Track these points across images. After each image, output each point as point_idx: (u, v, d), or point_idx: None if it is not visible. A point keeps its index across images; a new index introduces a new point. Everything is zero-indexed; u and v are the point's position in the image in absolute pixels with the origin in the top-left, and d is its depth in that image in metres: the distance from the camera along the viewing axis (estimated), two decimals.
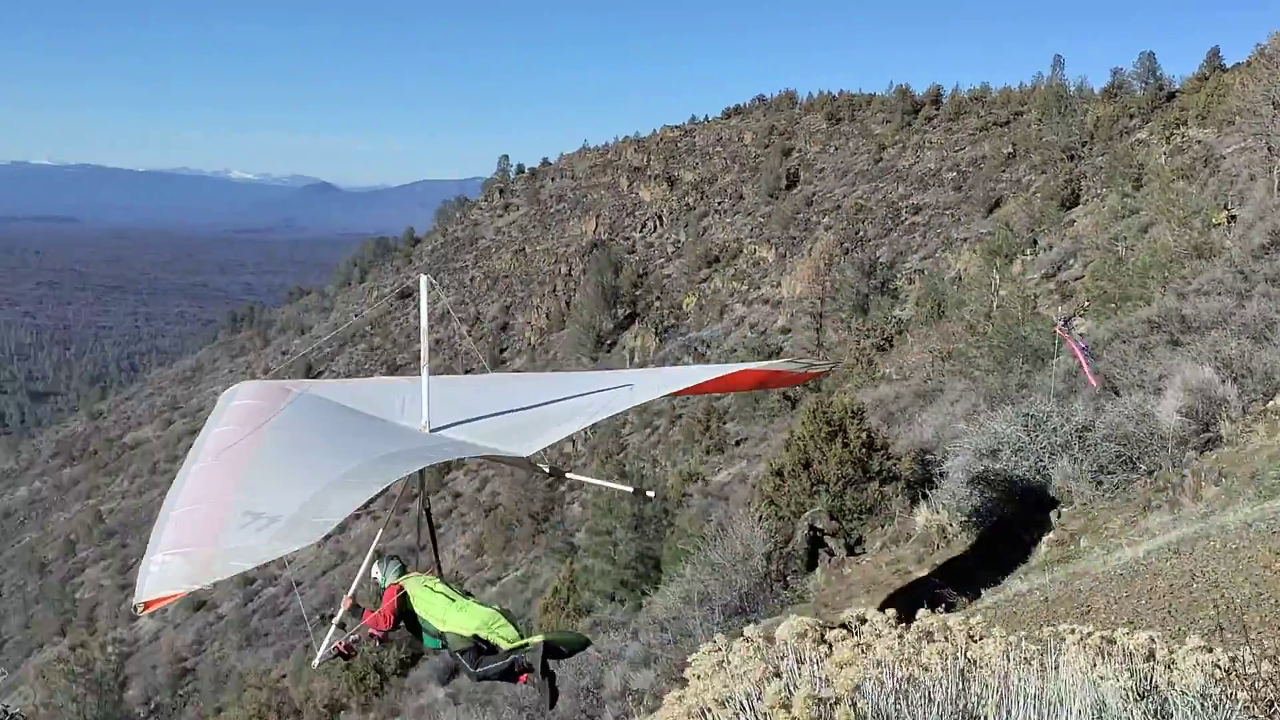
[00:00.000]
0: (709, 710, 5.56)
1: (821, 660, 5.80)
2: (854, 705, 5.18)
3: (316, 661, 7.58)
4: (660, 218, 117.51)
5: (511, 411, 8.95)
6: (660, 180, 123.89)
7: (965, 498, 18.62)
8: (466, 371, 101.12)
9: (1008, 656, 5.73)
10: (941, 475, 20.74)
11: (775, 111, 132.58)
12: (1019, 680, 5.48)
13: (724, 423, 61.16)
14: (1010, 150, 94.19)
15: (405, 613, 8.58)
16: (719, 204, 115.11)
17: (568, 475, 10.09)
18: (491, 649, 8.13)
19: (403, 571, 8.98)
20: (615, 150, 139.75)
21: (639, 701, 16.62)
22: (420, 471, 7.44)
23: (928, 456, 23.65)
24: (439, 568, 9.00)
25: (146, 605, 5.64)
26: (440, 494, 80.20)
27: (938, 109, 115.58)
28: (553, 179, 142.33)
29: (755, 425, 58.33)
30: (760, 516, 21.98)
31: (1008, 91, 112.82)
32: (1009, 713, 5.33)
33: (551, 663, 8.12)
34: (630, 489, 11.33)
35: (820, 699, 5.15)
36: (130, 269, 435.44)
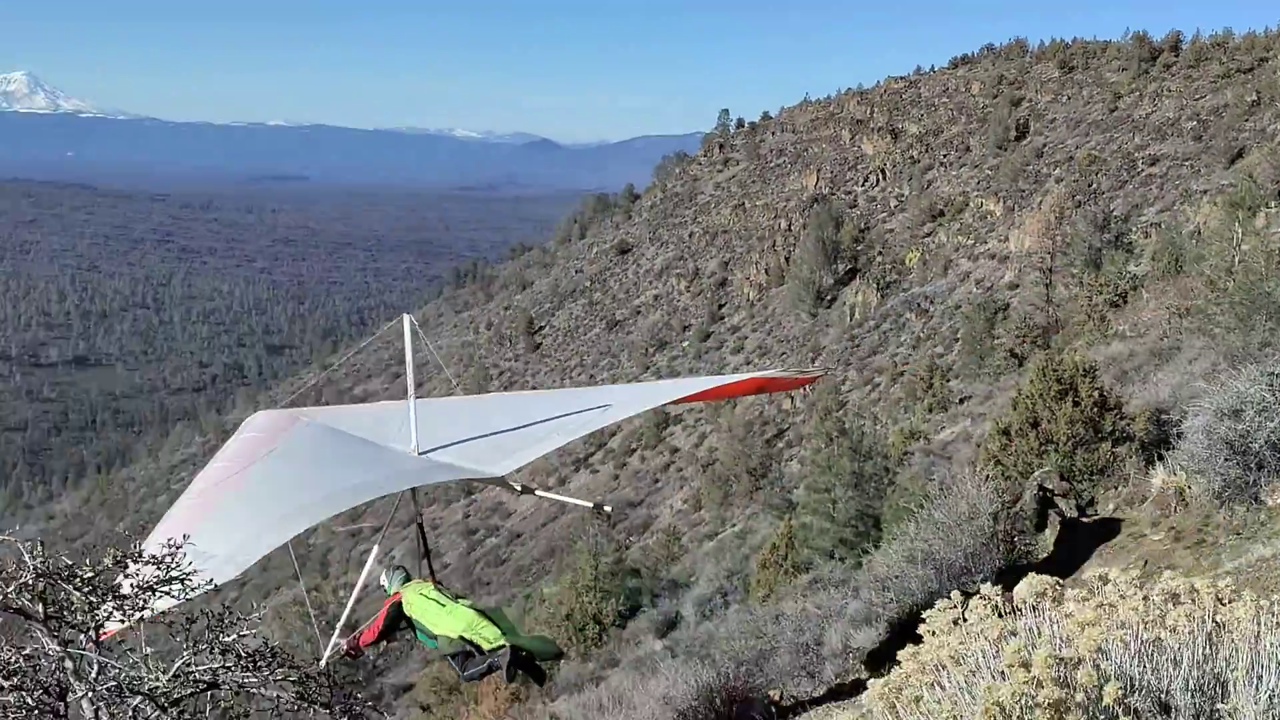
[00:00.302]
0: (944, 667, 5.48)
1: (1061, 620, 5.62)
2: (1096, 666, 4.99)
3: (323, 661, 7.95)
4: (883, 171, 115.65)
5: (494, 434, 9.36)
6: (883, 133, 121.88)
7: (1205, 459, 17.85)
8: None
9: (1258, 620, 5.46)
10: (1178, 436, 19.92)
11: (1004, 61, 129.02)
12: (1270, 645, 5.23)
13: (947, 380, 60.04)
14: (1254, 98, 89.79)
15: (405, 618, 9.07)
16: (944, 156, 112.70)
17: (536, 492, 10.62)
18: (477, 649, 8.49)
19: (406, 579, 9.38)
20: (837, 103, 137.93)
21: (860, 659, 16.45)
22: (413, 490, 7.98)
23: (1163, 417, 22.75)
24: (433, 575, 9.37)
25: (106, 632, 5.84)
26: (658, 449, 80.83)
27: (1177, 56, 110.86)
28: (773, 133, 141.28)
29: (980, 383, 57.11)
30: (986, 476, 21.49)
31: (1252, 37, 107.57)
32: (1260, 678, 5.07)
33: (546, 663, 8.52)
34: (590, 505, 11.20)
35: (1061, 659, 4.96)
36: (359, 226, 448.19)
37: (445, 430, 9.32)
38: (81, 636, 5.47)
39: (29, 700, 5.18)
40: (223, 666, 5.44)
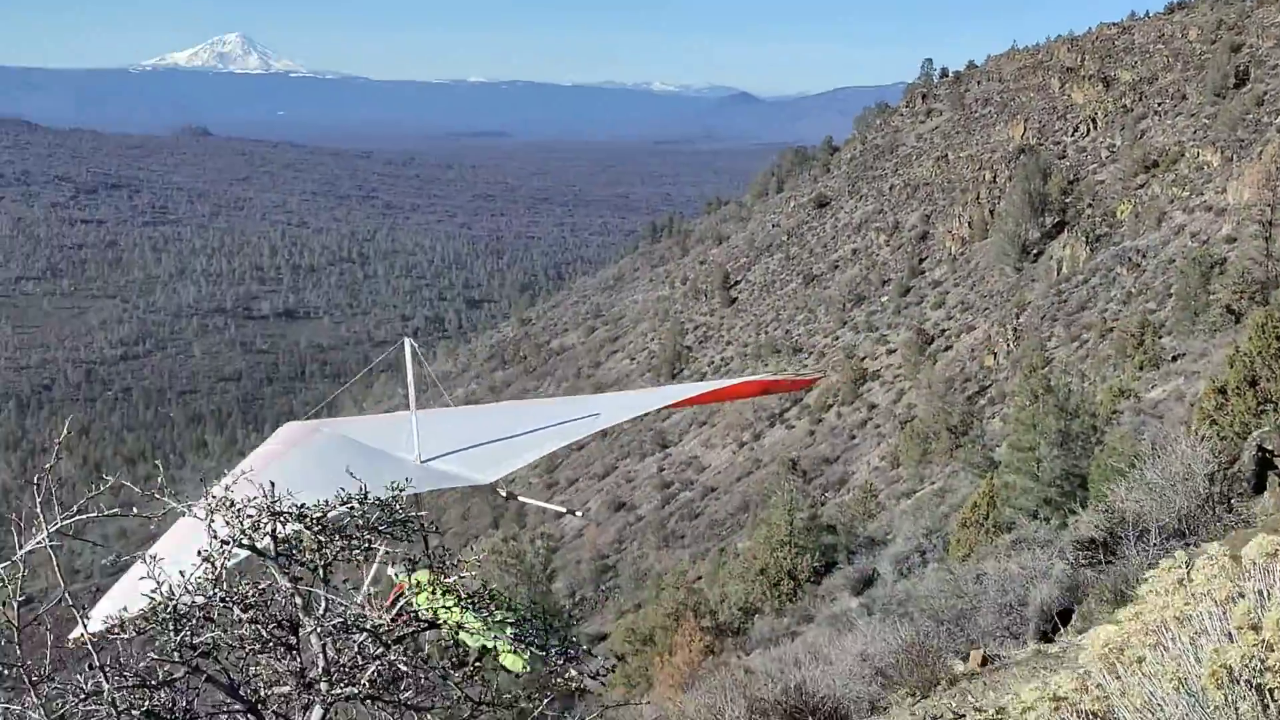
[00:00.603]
0: (1168, 627, 5.34)
1: None
2: None
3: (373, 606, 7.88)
4: (1094, 121, 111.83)
5: (489, 443, 9.86)
6: (1094, 81, 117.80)
7: None
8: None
9: None
10: None
11: (1225, 5, 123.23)
12: None
13: (1159, 337, 57.92)
14: None
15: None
16: (1159, 105, 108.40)
17: (518, 498, 10.87)
18: None
19: (412, 570, 9.38)
20: (1046, 51, 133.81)
21: (1065, 621, 15.89)
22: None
23: None
24: (433, 569, 9.06)
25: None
26: (855, 405, 80.00)
27: None
28: (978, 82, 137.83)
29: (1194, 340, 54.98)
30: (1201, 436, 20.55)
31: None
32: None
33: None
34: (561, 510, 11.44)
35: None
36: (557, 181, 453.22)
37: (447, 439, 9.85)
38: (310, 574, 5.72)
39: (264, 633, 5.48)
40: (443, 606, 5.72)
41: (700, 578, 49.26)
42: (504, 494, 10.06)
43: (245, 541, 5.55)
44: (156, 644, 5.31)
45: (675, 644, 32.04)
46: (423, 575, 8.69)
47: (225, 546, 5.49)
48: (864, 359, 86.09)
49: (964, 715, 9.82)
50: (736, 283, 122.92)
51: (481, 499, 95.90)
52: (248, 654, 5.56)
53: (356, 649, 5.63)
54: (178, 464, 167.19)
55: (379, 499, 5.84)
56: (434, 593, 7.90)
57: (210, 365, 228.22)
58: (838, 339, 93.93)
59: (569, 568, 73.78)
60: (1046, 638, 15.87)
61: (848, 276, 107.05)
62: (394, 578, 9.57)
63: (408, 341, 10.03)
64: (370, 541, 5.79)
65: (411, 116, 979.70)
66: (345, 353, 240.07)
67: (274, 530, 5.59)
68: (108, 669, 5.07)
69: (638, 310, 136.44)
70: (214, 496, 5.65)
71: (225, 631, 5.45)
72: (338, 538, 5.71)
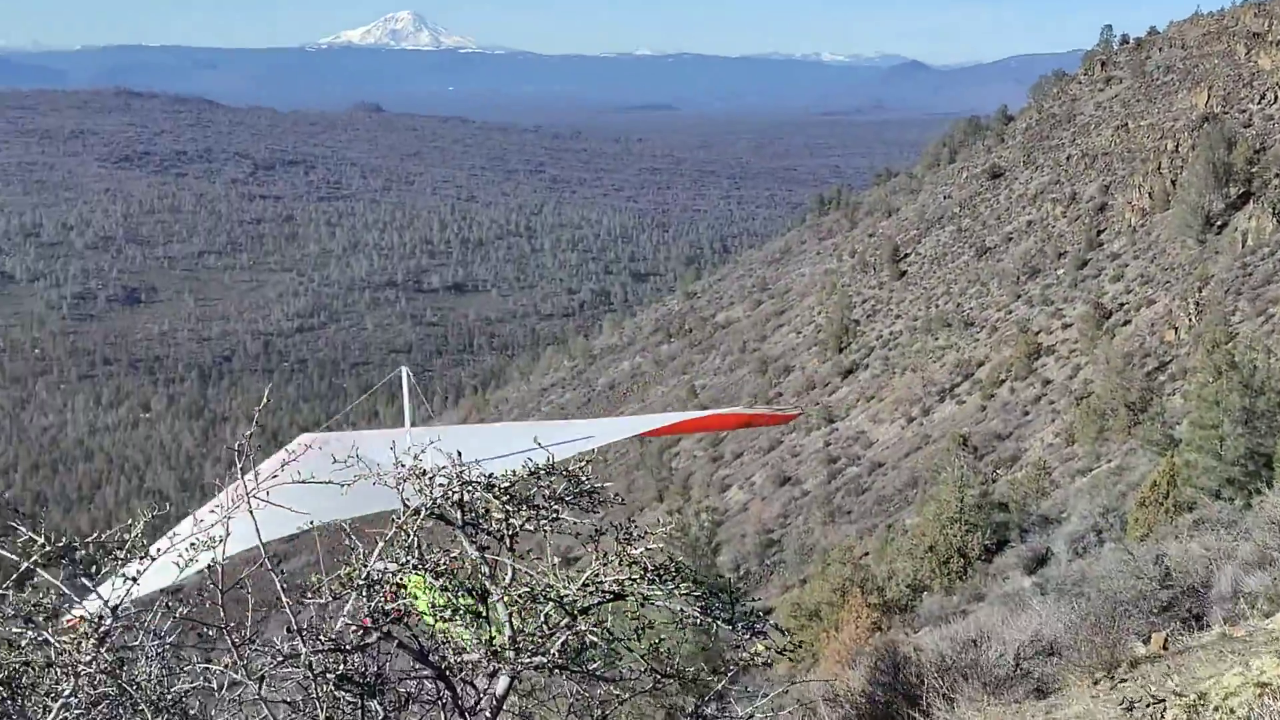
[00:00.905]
0: None
1: None
2: None
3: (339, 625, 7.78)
4: None
5: (478, 461, 9.70)
6: None
7: None
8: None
9: None
10: None
11: None
12: None
13: None
14: None
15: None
16: None
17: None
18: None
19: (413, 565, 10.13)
20: (1231, 16, 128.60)
21: (1252, 604, 15.03)
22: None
23: None
24: (426, 574, 9.48)
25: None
26: (1029, 380, 78.11)
27: None
28: (1159, 49, 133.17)
29: None
30: None
31: None
32: None
33: None
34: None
35: None
36: (723, 154, 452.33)
37: (438, 456, 9.89)
38: (496, 543, 5.86)
39: (454, 600, 5.68)
40: (629, 578, 5.69)
41: (867, 554, 48.58)
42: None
43: (435, 510, 5.73)
44: (348, 609, 5.52)
45: (842, 620, 31.57)
46: (418, 579, 9.34)
47: (416, 517, 5.65)
48: (1038, 333, 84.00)
49: (1163, 700, 9.23)
50: (906, 255, 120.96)
51: (647, 472, 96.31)
52: (440, 619, 5.74)
53: (543, 618, 5.71)
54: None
55: (567, 470, 5.93)
56: (428, 591, 8.44)
57: (381, 337, 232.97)
58: (1011, 313, 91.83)
59: (733, 541, 73.47)
60: (1231, 621, 15.06)
61: (1022, 249, 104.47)
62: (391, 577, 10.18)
63: (405, 370, 11.19)
64: (558, 512, 5.86)
65: (579, 91, 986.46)
66: (512, 325, 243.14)
67: (463, 499, 5.74)
68: (304, 633, 5.26)
69: (804, 284, 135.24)
70: (403, 466, 5.83)
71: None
72: (525, 507, 5.81)
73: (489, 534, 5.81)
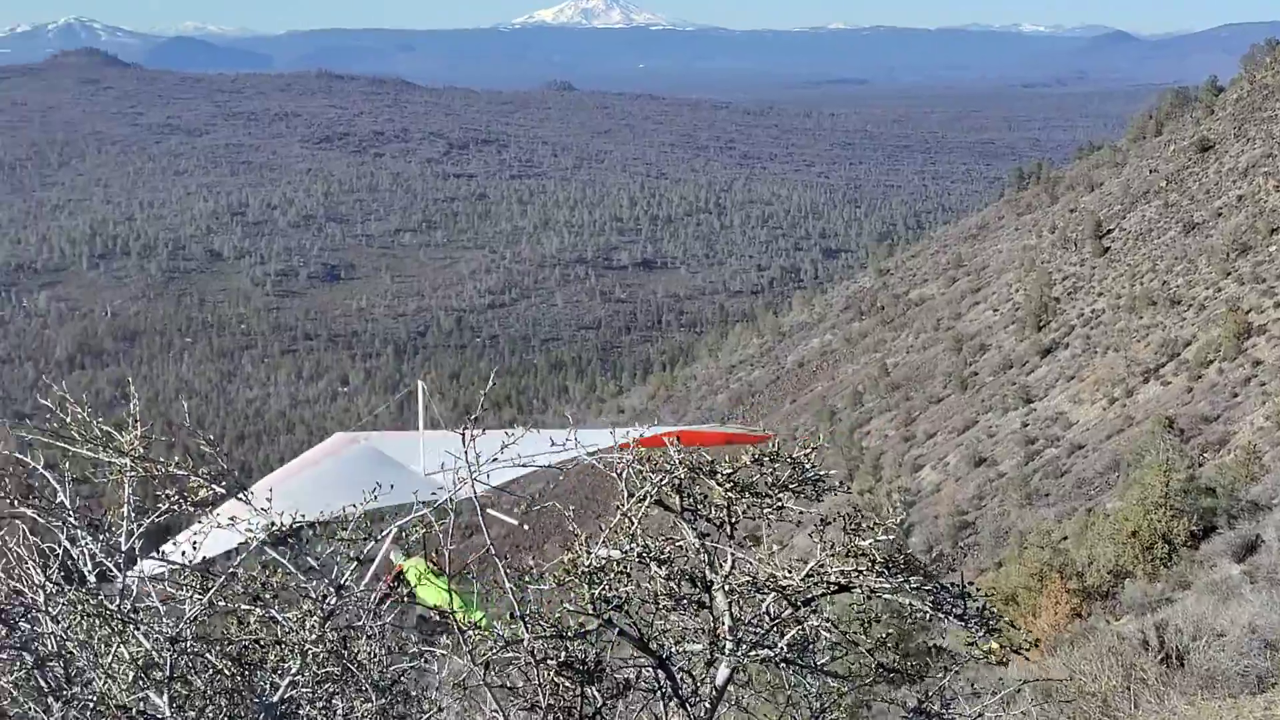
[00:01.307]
0: None
1: None
2: None
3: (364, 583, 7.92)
4: None
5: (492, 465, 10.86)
6: None
7: None
8: None
9: None
10: None
11: None
12: None
13: None
14: None
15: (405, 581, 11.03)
16: None
17: (489, 512, 10.89)
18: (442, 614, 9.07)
19: (408, 557, 11.28)
20: None
21: None
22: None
23: None
24: (429, 559, 11.39)
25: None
26: (1238, 361, 75.06)
27: None
28: None
29: None
30: None
31: None
32: None
33: None
34: (514, 522, 11.83)
35: None
36: (917, 128, 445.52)
37: (448, 457, 10.65)
38: (716, 530, 5.73)
39: (676, 589, 5.59)
40: (855, 570, 5.48)
41: (1066, 538, 47.21)
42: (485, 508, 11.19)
43: (656, 496, 5.60)
44: (571, 596, 5.50)
45: (1040, 605, 30.71)
46: (419, 562, 10.56)
47: (640, 504, 5.55)
48: (1248, 312, 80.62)
49: None
50: (1109, 231, 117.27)
51: (837, 451, 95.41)
52: (659, 610, 5.65)
53: (764, 609, 5.59)
54: (540, 409, 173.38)
55: (791, 457, 5.72)
56: (426, 576, 9.93)
57: (571, 314, 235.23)
58: (1220, 290, 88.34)
59: (925, 523, 72.37)
60: None
61: (1232, 224, 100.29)
62: (394, 560, 11.07)
63: (420, 384, 12.71)
64: (781, 501, 5.68)
65: (770, 66, 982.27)
66: (701, 302, 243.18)
67: (681, 485, 5.63)
68: (526, 619, 5.30)
69: (1001, 260, 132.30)
70: (629, 454, 5.69)
71: (638, 586, 5.57)
72: (747, 494, 5.65)
73: (709, 521, 5.66)
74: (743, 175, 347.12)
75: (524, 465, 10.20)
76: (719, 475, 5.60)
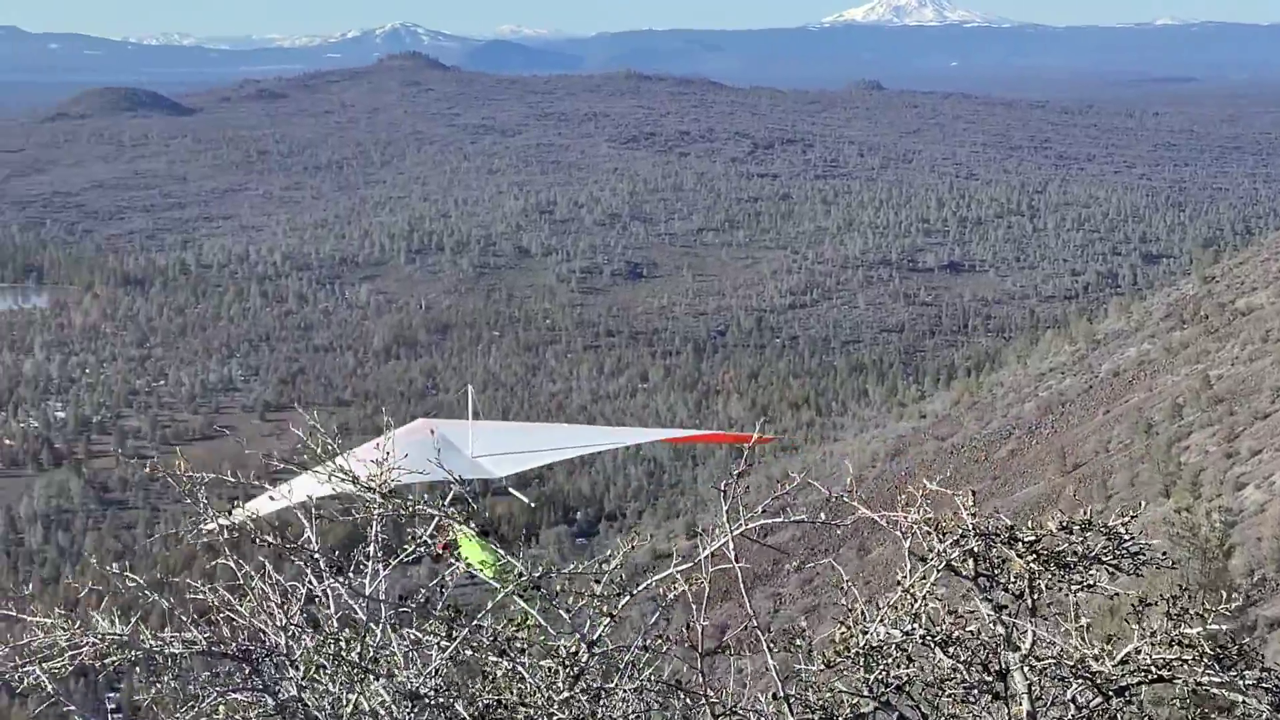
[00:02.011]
0: None
1: None
2: None
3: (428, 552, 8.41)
4: None
5: (520, 452, 13.77)
6: None
7: None
8: None
9: None
10: None
11: None
12: None
13: None
14: None
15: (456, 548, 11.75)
16: None
17: (510, 490, 14.12)
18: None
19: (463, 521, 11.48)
20: None
21: None
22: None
23: None
24: (475, 529, 11.14)
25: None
26: None
27: None
28: None
29: None
30: None
31: None
32: None
33: None
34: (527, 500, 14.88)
35: None
36: (1249, 128, 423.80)
37: (493, 445, 13.48)
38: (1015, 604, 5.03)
39: (967, 675, 4.96)
40: (1180, 660, 4.66)
41: None
42: (507, 487, 14.02)
43: (941, 563, 5.05)
44: (844, 677, 5.05)
45: None
46: (465, 532, 11.15)
47: (925, 579, 4.99)
48: None
49: None
50: None
51: (1153, 465, 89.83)
52: (947, 697, 4.98)
53: (1070, 697, 4.80)
54: (839, 411, 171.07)
55: (1107, 527, 4.89)
56: (469, 537, 10.30)
57: (874, 316, 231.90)
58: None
59: (1248, 545, 66.89)
60: None
61: None
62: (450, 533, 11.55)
63: (470, 389, 14.58)
64: (1093, 578, 4.87)
65: (1091, 63, 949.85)
66: (1010, 307, 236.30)
67: (976, 550, 5.03)
68: (791, 699, 4.91)
69: None
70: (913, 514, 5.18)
71: (921, 669, 5.00)
72: (1052, 564, 4.91)
73: (1006, 590, 4.98)
74: (1058, 176, 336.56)
75: (542, 455, 14.18)
76: (1019, 543, 4.88)
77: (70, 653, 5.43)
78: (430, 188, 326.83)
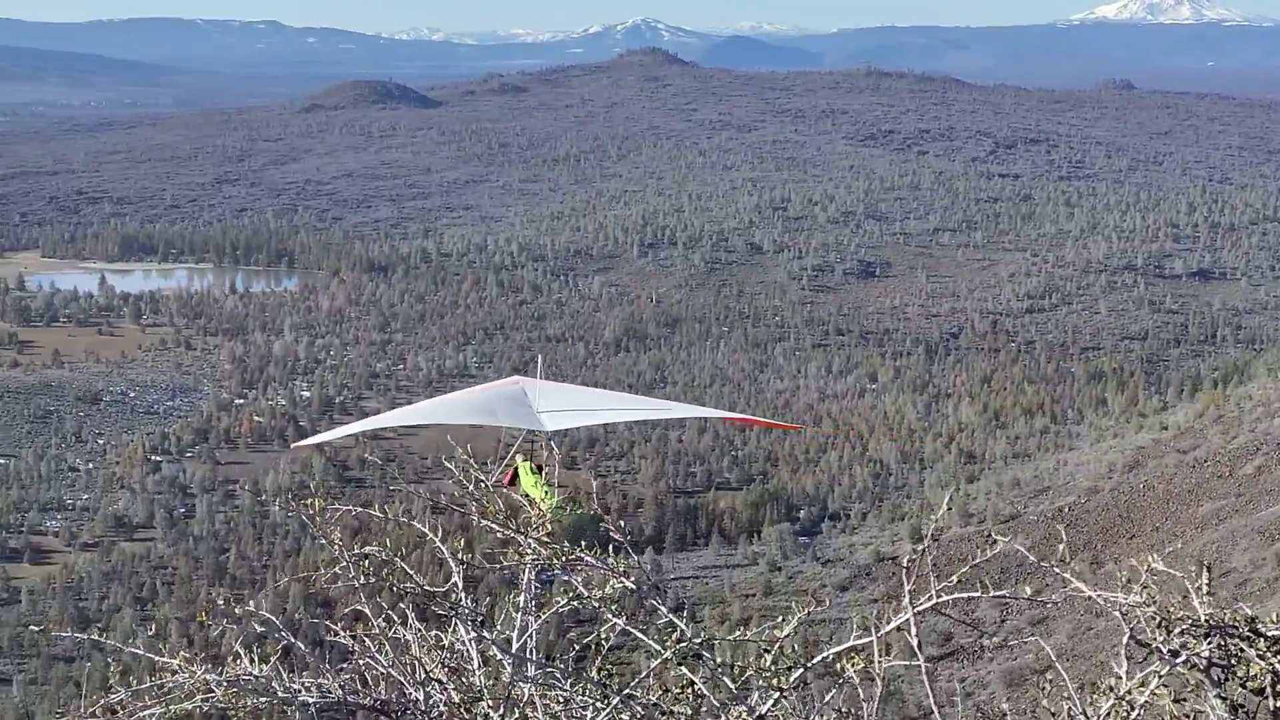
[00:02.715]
0: None
1: None
2: None
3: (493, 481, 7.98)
4: None
5: (575, 410, 18.20)
6: None
7: None
8: None
9: None
10: None
11: None
12: None
13: None
14: None
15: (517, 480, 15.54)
16: None
17: (552, 445, 16.45)
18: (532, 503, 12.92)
19: (527, 459, 16.04)
20: None
21: None
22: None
23: None
24: (532, 464, 16.06)
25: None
26: None
27: None
28: None
29: None
30: None
31: None
32: None
33: None
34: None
35: None
36: None
37: (562, 403, 17.13)
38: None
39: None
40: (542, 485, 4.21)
41: None
42: (550, 440, 16.22)
43: (1165, 668, 4.38)
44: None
45: None
46: (527, 463, 15.16)
47: (1145, 685, 4.31)
48: None
49: None
50: None
51: None
52: (538, 498, 5.41)
53: None
54: (1075, 419, 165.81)
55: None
56: (528, 472, 14.36)
57: (1116, 323, 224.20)
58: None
59: None
60: None
61: None
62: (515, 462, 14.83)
63: (540, 356, 17.78)
64: None
65: None
66: (1262, 317, 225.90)
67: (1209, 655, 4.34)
68: None
69: None
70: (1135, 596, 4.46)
71: None
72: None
73: (1244, 688, 4.28)
74: None
75: (595, 416, 19.88)
76: (1262, 639, 4.18)
77: (201, 696, 5.25)
78: (665, 182, 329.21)
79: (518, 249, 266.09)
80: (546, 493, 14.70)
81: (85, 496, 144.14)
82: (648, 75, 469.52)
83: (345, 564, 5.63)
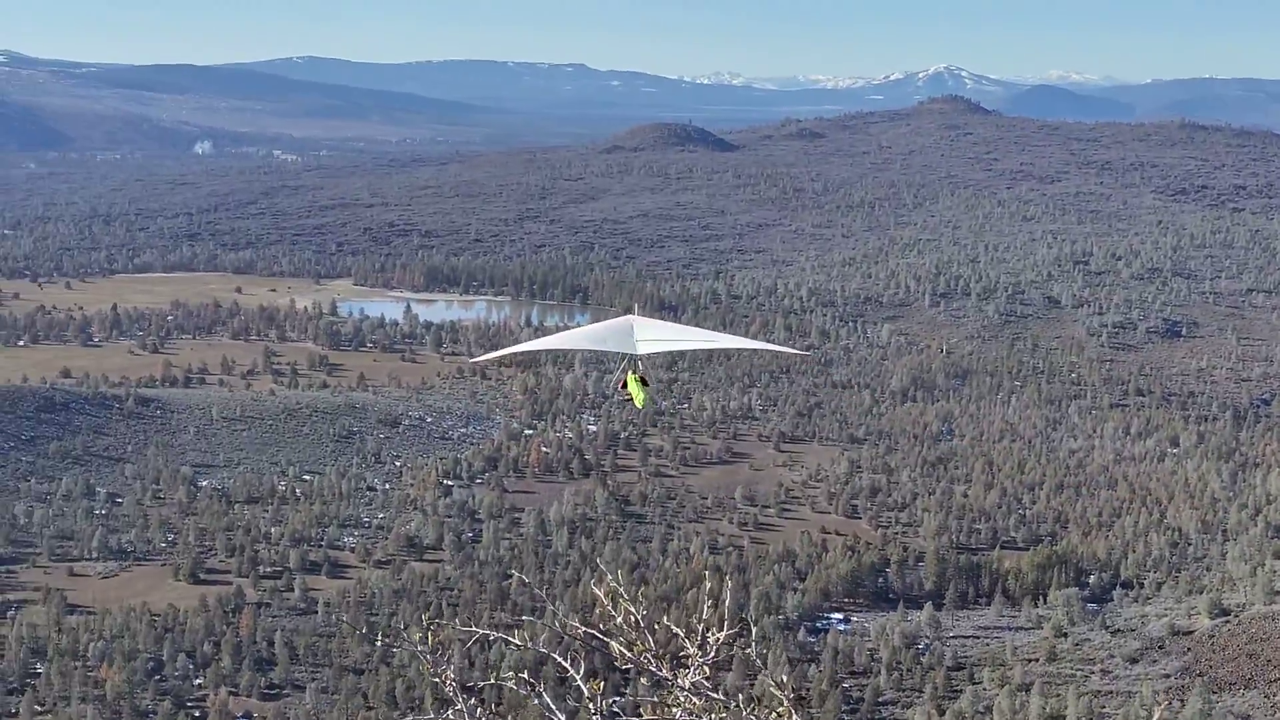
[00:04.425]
0: None
1: None
2: None
3: (611, 389, 13.98)
4: None
5: (664, 340, 25.75)
6: None
7: None
8: None
9: None
10: None
11: None
12: None
13: None
14: None
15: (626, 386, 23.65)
16: None
17: (639, 366, 24.91)
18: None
19: (635, 370, 23.60)
20: None
21: None
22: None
23: None
24: (636, 376, 23.77)
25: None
26: None
27: None
28: None
29: None
30: None
31: None
32: None
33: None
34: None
35: None
36: None
37: (653, 334, 24.13)
38: None
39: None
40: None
41: None
42: (634, 362, 24.51)
43: None
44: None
45: None
46: (633, 377, 24.92)
47: None
48: None
49: None
50: None
51: None
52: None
53: None
54: None
55: None
56: (636, 382, 24.77)
57: None
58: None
59: None
60: None
61: None
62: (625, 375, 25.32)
63: (635, 306, 37.99)
64: None
65: None
66: None
67: None
68: None
69: None
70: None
71: None
72: None
73: None
74: None
75: (680, 343, 34.13)
76: None
77: None
78: (961, 231, 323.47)
79: (807, 293, 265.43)
80: (643, 397, 24.53)
81: (381, 515, 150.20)
82: (948, 123, 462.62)
83: (460, 709, 5.76)
